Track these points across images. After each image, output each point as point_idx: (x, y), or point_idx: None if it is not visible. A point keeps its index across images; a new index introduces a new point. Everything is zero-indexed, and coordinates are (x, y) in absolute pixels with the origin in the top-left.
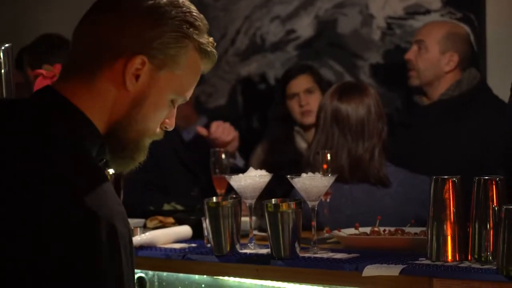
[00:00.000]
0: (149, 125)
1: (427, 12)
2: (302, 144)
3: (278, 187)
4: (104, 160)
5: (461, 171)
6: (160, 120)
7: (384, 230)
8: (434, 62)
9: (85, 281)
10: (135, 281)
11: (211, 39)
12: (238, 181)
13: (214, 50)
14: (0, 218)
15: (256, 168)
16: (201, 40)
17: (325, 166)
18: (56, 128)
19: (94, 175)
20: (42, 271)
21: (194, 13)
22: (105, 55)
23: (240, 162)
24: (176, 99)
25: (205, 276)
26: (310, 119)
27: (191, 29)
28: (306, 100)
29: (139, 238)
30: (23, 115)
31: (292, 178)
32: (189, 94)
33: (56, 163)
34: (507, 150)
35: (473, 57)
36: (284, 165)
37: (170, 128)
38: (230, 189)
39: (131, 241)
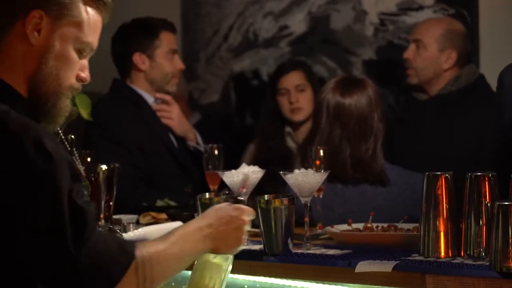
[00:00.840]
0: (61, 76)
1: (420, 8)
2: (291, 143)
3: (269, 184)
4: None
5: (457, 168)
6: (72, 71)
7: (377, 226)
8: (433, 60)
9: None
10: None
11: None
12: (231, 177)
13: None
14: None
15: (249, 164)
16: None
17: (317, 162)
18: None
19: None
20: None
21: None
22: (4, 18)
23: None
24: (82, 48)
25: None
26: (299, 117)
27: None
28: (296, 97)
29: (132, 234)
30: None
31: (284, 174)
32: (94, 42)
33: None
34: (497, 144)
35: (471, 54)
36: (275, 161)
37: (86, 81)
38: (223, 185)
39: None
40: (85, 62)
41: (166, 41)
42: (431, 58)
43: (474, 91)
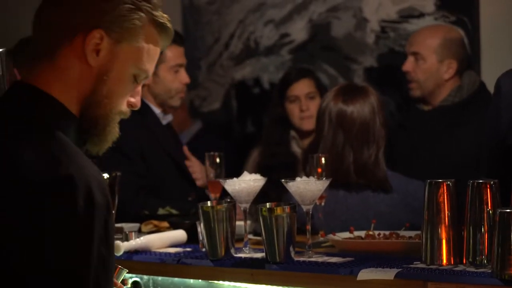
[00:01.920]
0: (115, 101)
1: (421, 15)
2: (296, 148)
3: (273, 190)
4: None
5: (459, 175)
6: (125, 96)
7: (379, 234)
8: (433, 72)
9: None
10: (130, 285)
11: (165, 15)
12: (233, 185)
13: (169, 25)
14: None
15: (251, 172)
16: (155, 13)
17: (319, 170)
18: (29, 116)
19: (71, 148)
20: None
21: None
22: (63, 34)
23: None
24: (139, 74)
25: (200, 280)
26: (309, 125)
27: (143, 2)
28: (307, 105)
29: (134, 243)
30: None
31: (286, 182)
32: (150, 70)
33: (33, 145)
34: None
35: (470, 60)
36: (279, 168)
37: (136, 107)
38: (225, 193)
39: (110, 211)
40: (138, 88)
41: (172, 55)
42: (431, 69)
43: (476, 100)
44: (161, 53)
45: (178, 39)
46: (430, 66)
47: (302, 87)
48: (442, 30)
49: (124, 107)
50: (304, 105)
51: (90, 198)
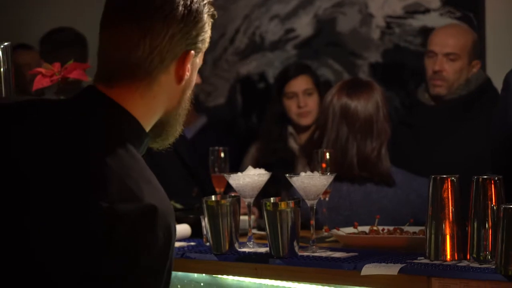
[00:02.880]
0: (187, 105)
1: (427, 11)
2: (293, 144)
3: (271, 186)
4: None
5: (464, 171)
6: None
7: (383, 229)
8: (464, 72)
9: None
10: None
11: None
12: (237, 180)
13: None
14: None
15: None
16: (214, 14)
17: (323, 165)
18: (108, 133)
19: (146, 171)
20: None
21: None
22: (160, 61)
23: None
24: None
25: (204, 274)
26: (307, 121)
27: (209, 7)
28: (305, 101)
29: None
30: (75, 121)
31: (290, 177)
32: None
33: (105, 160)
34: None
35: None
36: (277, 164)
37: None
38: (229, 187)
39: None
40: None
41: None
42: (462, 69)
43: (482, 95)
44: None
45: None
46: (462, 67)
47: (300, 84)
48: (471, 31)
49: None
50: (302, 101)
51: (169, 228)
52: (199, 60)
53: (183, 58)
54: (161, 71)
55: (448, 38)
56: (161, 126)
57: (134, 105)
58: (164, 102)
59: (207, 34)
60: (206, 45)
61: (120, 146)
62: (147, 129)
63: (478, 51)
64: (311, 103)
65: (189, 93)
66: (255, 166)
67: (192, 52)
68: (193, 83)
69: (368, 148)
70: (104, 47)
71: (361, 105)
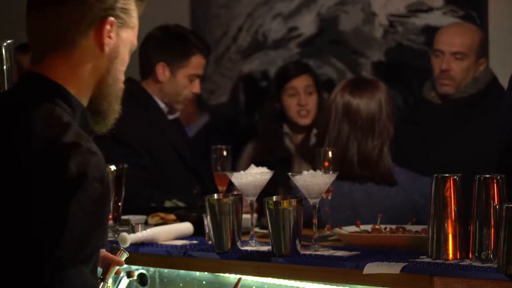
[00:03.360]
0: (121, 80)
1: (430, 9)
2: (288, 144)
3: (269, 185)
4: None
5: (467, 170)
6: (124, 74)
7: (385, 228)
8: (471, 70)
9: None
10: (136, 277)
11: None
12: (239, 178)
13: None
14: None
15: (245, 165)
16: None
17: (326, 164)
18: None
19: (72, 128)
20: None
21: None
22: (78, 28)
23: None
24: (132, 49)
25: (206, 273)
26: (306, 121)
27: None
28: (306, 100)
29: (140, 235)
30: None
31: (293, 176)
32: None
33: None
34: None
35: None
36: (274, 163)
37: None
38: (231, 186)
39: (107, 189)
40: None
41: (194, 65)
42: (469, 68)
43: (489, 93)
44: (187, 59)
45: (205, 51)
46: (469, 65)
47: (301, 82)
48: (478, 30)
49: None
50: (303, 99)
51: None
52: (127, 35)
53: (101, 24)
54: (81, 37)
55: (455, 37)
56: (97, 101)
57: (61, 73)
58: (92, 71)
59: (130, 5)
60: (133, 19)
61: (49, 109)
62: (83, 100)
63: (484, 49)
64: (311, 102)
65: (120, 66)
66: (250, 165)
67: (111, 18)
68: (124, 58)
69: (369, 146)
70: (29, 32)
71: (364, 104)
